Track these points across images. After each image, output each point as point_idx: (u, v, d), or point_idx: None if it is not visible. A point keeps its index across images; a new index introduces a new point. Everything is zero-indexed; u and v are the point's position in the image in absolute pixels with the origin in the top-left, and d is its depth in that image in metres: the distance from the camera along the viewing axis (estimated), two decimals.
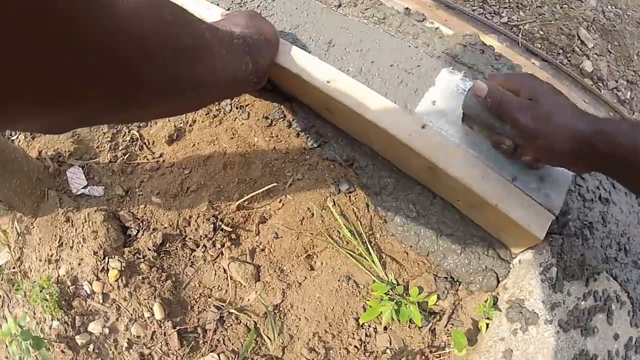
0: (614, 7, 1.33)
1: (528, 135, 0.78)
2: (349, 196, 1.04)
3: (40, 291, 0.97)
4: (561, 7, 1.23)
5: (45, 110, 0.42)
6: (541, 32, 1.18)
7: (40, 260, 1.01)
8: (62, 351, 1.00)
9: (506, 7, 1.19)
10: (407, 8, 1.09)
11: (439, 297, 1.01)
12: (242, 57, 0.82)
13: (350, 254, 1.01)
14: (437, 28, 1.08)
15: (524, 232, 0.91)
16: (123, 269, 0.98)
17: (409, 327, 1.00)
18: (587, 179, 1.03)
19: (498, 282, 1.02)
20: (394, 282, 1.01)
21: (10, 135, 1.15)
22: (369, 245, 1.01)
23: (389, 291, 0.99)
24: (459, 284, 1.03)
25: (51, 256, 1.01)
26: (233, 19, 0.92)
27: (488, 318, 0.98)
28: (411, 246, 1.03)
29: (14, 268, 1.02)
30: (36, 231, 1.02)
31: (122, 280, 0.98)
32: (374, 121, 0.94)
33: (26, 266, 1.03)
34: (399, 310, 0.99)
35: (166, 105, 0.65)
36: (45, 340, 0.99)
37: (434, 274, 1.03)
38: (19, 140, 1.15)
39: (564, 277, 0.94)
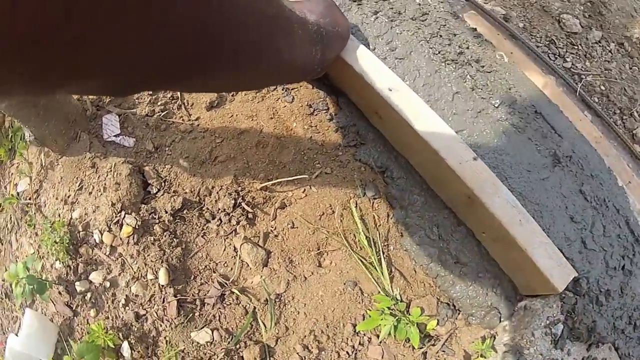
0: None
1: None
2: (373, 202, 0.97)
3: (51, 232, 0.92)
4: (630, 68, 1.16)
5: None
6: (602, 88, 1.11)
7: (56, 198, 0.95)
8: (60, 292, 0.95)
9: (573, 53, 1.10)
10: (474, 29, 1.04)
11: (438, 323, 0.95)
12: (313, 43, 0.77)
13: (361, 260, 0.95)
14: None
15: (543, 280, 0.85)
16: (137, 227, 0.92)
17: (403, 345, 0.94)
18: (614, 245, 0.99)
19: (500, 321, 1.00)
20: (398, 297, 0.95)
21: None
22: (381, 256, 0.94)
23: (391, 306, 0.93)
24: (459, 313, 0.96)
25: (68, 197, 0.95)
26: (310, 5, 0.84)
27: (482, 356, 0.92)
28: (422, 265, 0.96)
29: (29, 199, 1.00)
30: (60, 169, 0.96)
31: (133, 237, 0.93)
32: (428, 140, 0.88)
33: (42, 200, 0.97)
34: (397, 326, 0.92)
35: (239, 75, 0.64)
36: (47, 284, 0.94)
37: (437, 298, 0.96)
38: None
39: (569, 336, 0.86)
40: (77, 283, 0.94)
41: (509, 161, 0.95)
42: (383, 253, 0.96)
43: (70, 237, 0.94)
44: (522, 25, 1.10)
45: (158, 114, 0.99)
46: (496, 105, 0.96)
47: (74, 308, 0.96)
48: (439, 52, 0.95)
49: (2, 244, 1.02)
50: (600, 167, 1.00)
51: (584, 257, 0.94)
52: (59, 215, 0.94)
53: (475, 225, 0.96)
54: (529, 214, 0.90)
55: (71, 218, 0.95)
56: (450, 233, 0.98)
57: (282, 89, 1.02)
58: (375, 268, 0.96)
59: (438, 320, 0.97)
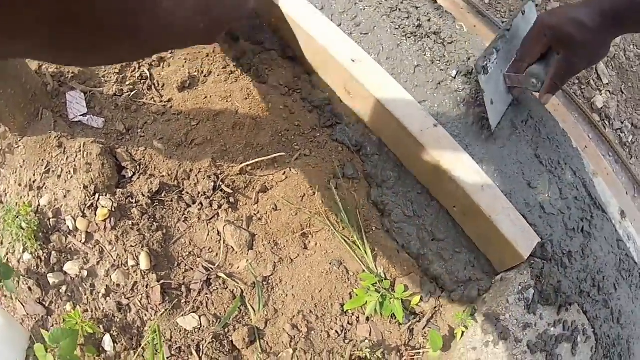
0: (635, 48, 1.31)
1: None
2: (352, 182, 0.96)
3: (16, 217, 0.84)
4: None
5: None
6: None
7: (19, 184, 0.87)
8: (30, 288, 0.88)
9: None
10: (434, 1, 1.03)
11: (421, 299, 0.96)
12: None
13: (345, 240, 0.94)
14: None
15: (510, 249, 0.88)
16: (113, 209, 0.86)
17: (389, 322, 0.96)
18: (571, 208, 1.00)
19: (479, 294, 1.03)
20: (383, 275, 0.95)
21: None
22: (364, 235, 0.94)
23: (376, 283, 0.93)
24: (442, 291, 0.99)
25: (33, 182, 0.87)
26: None
27: (465, 326, 0.94)
28: (403, 245, 0.97)
29: None
30: (21, 151, 0.87)
31: (110, 221, 0.86)
32: (391, 110, 0.88)
33: (1, 189, 0.89)
34: (383, 303, 0.92)
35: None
36: (14, 271, 0.85)
37: (420, 276, 0.98)
38: None
39: (539, 300, 0.90)
40: (49, 275, 0.88)
41: (468, 130, 0.97)
42: (365, 232, 0.96)
43: (39, 224, 0.86)
44: (488, 1, 1.11)
45: (127, 93, 0.92)
46: (453, 75, 0.98)
47: (47, 305, 0.89)
48: (399, 27, 0.96)
49: None
50: (556, 130, 1.04)
51: (544, 221, 0.97)
52: (24, 203, 0.87)
53: (445, 199, 0.98)
54: (490, 180, 0.92)
55: (39, 205, 0.87)
56: (424, 208, 0.99)
57: (254, 69, 0.98)
58: (358, 247, 0.95)
59: (421, 296, 0.98)
